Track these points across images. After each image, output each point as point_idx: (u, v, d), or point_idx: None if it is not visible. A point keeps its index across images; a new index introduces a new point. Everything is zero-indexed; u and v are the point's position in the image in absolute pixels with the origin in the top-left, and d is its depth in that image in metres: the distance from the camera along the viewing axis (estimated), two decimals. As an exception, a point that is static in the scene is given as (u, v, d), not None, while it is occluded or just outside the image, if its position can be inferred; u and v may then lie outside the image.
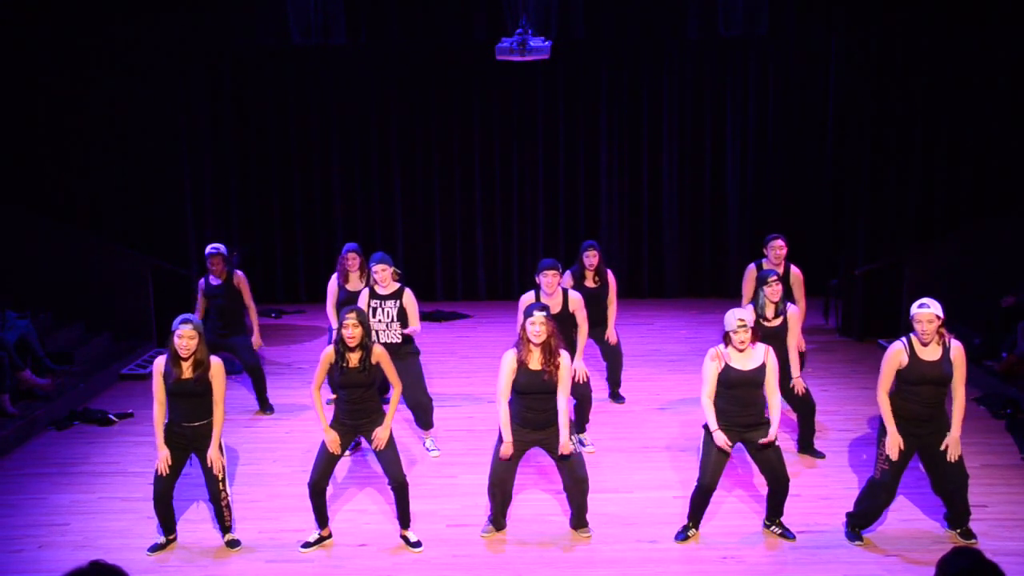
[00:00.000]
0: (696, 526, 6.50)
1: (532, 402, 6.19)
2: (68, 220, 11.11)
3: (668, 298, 13.46)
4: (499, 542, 6.51)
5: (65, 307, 10.77)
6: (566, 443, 6.22)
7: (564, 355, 6.24)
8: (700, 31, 11.31)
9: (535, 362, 6.15)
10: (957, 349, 6.08)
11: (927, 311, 5.97)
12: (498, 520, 6.60)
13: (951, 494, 6.30)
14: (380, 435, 6.27)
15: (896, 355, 6.08)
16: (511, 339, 6.57)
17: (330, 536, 6.54)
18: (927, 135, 11.13)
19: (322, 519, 6.47)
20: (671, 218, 13.45)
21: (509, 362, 6.21)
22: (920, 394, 6.06)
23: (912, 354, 6.05)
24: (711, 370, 6.21)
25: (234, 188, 13.20)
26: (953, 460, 6.12)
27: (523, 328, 6.19)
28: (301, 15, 10.89)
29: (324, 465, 6.29)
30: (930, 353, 6.03)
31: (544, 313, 6.15)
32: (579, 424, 7.96)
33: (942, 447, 6.11)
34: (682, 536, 6.46)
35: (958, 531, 6.44)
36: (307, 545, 6.43)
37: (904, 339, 6.12)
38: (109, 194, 11.21)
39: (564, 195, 13.45)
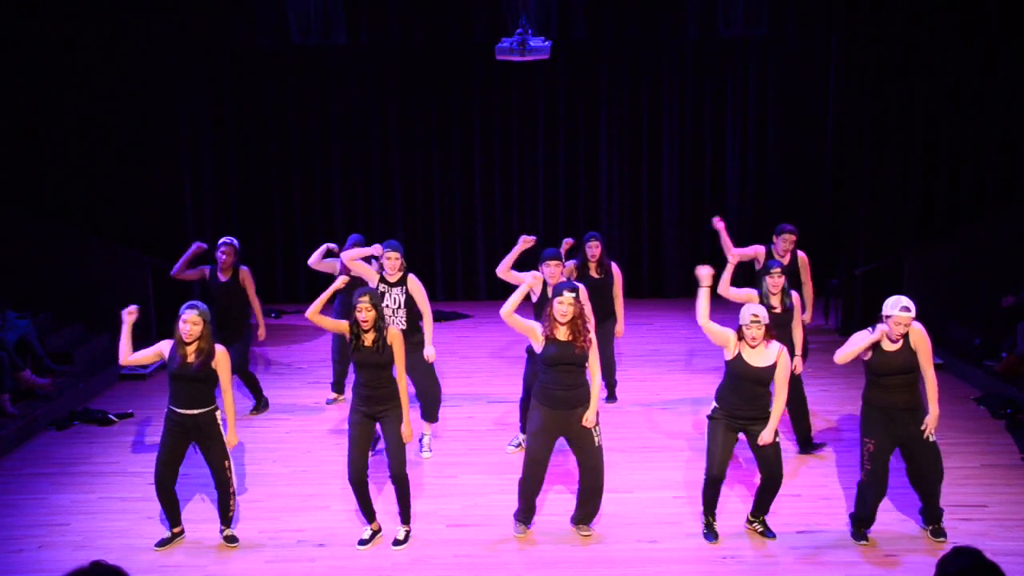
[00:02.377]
0: (714, 517, 6.50)
1: (562, 375, 6.18)
2: (68, 220, 11.11)
3: (668, 298, 13.46)
4: (499, 542, 6.51)
5: (65, 307, 10.77)
6: (590, 418, 6.22)
7: (592, 334, 6.31)
8: (700, 31, 11.33)
9: (563, 334, 6.20)
10: (916, 332, 6.08)
11: (908, 315, 5.98)
12: (527, 515, 6.56)
13: (928, 488, 6.32)
14: (405, 432, 6.31)
15: (862, 336, 6.11)
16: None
17: (380, 530, 6.52)
18: (927, 135, 11.13)
19: (369, 513, 6.45)
20: (671, 218, 13.45)
21: (536, 325, 6.28)
22: (892, 384, 6.10)
23: (877, 347, 6.09)
24: (727, 331, 6.21)
25: (234, 188, 13.20)
26: (929, 435, 6.09)
27: (550, 306, 6.21)
28: (301, 15, 10.90)
29: (357, 455, 6.30)
30: (891, 344, 6.08)
31: (574, 295, 6.17)
32: None
33: (922, 427, 6.12)
34: (710, 536, 6.43)
35: (930, 529, 6.46)
36: (363, 543, 6.44)
37: (871, 329, 6.13)
38: (109, 194, 11.21)
39: (564, 195, 13.46)
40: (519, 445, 7.84)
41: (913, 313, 6.01)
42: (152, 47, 10.93)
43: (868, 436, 6.19)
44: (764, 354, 6.16)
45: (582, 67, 13.07)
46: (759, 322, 6.09)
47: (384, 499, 6.92)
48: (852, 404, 9.01)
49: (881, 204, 11.21)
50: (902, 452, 6.29)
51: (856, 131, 11.23)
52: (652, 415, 8.88)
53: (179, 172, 11.33)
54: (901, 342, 6.05)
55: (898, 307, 6.00)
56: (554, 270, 7.63)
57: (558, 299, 6.15)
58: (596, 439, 6.33)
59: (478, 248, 13.56)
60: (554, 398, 6.22)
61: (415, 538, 6.51)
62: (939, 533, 6.41)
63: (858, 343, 6.09)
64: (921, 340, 6.08)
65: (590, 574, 6.11)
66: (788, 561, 6.22)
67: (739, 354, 6.16)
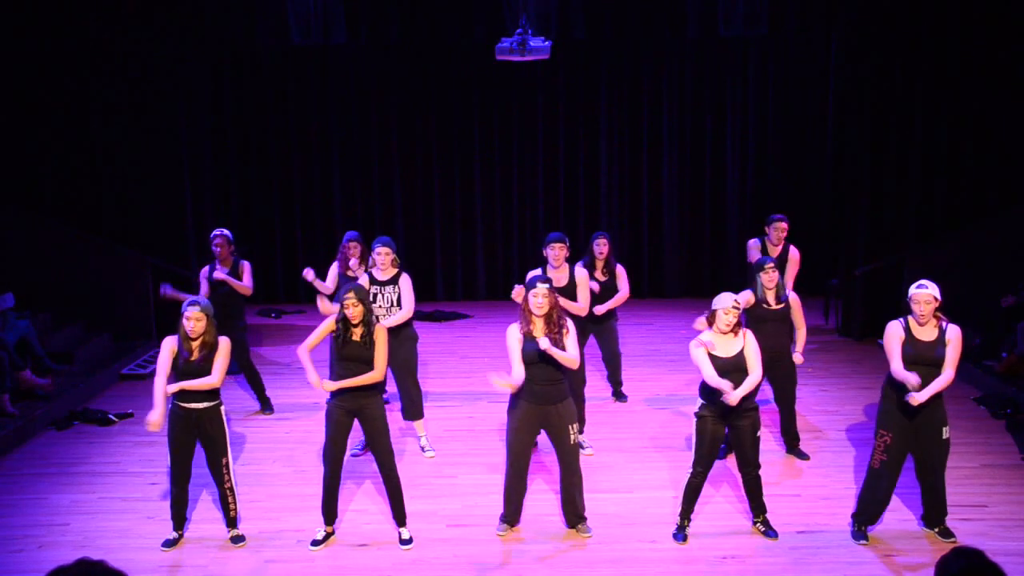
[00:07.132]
0: (689, 521, 6.50)
1: (539, 372, 6.17)
2: (68, 220, 11.11)
3: (668, 298, 13.47)
4: (499, 542, 6.51)
5: (65, 307, 10.77)
6: (549, 345, 6.07)
7: (569, 323, 6.27)
8: (700, 31, 11.33)
9: (539, 331, 6.16)
10: (954, 330, 6.10)
11: (925, 292, 6.04)
12: (513, 515, 6.57)
13: (933, 478, 6.30)
14: (327, 385, 6.22)
15: (895, 331, 6.14)
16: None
17: (333, 534, 6.55)
18: (927, 135, 11.13)
19: (330, 515, 6.47)
20: (671, 218, 13.46)
21: (514, 335, 6.21)
22: (919, 375, 6.05)
23: (908, 334, 6.10)
24: (702, 353, 6.22)
25: (234, 188, 13.21)
26: (915, 401, 5.95)
27: (525, 300, 6.19)
28: (301, 15, 10.90)
29: (334, 450, 6.30)
30: (926, 334, 6.09)
31: (547, 285, 6.16)
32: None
33: (914, 395, 5.98)
34: (681, 537, 6.45)
35: (937, 530, 6.45)
36: (316, 543, 6.44)
37: (902, 319, 6.18)
38: (109, 194, 11.21)
39: (564, 195, 13.46)
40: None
41: (930, 290, 6.03)
42: (152, 47, 10.93)
43: (886, 428, 6.20)
44: (733, 342, 6.23)
45: (582, 67, 13.07)
46: (738, 309, 6.19)
47: (381, 501, 6.92)
48: (852, 404, 9.04)
49: (881, 204, 11.21)
50: (913, 451, 6.28)
51: (856, 131, 11.23)
52: (652, 415, 8.88)
53: (179, 172, 11.32)
54: (936, 335, 6.05)
55: (914, 286, 6.09)
56: (558, 252, 7.59)
57: (533, 292, 6.13)
58: (572, 436, 6.35)
59: (478, 248, 13.56)
60: (534, 393, 6.22)
61: (415, 538, 6.51)
62: (947, 534, 6.40)
63: (891, 344, 6.09)
64: (956, 338, 6.07)
65: (590, 574, 6.11)
66: (788, 561, 6.21)
67: (710, 354, 6.20)
